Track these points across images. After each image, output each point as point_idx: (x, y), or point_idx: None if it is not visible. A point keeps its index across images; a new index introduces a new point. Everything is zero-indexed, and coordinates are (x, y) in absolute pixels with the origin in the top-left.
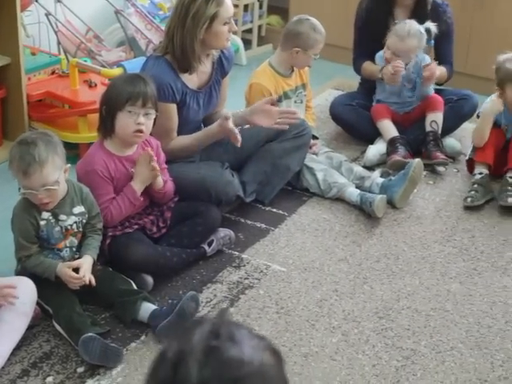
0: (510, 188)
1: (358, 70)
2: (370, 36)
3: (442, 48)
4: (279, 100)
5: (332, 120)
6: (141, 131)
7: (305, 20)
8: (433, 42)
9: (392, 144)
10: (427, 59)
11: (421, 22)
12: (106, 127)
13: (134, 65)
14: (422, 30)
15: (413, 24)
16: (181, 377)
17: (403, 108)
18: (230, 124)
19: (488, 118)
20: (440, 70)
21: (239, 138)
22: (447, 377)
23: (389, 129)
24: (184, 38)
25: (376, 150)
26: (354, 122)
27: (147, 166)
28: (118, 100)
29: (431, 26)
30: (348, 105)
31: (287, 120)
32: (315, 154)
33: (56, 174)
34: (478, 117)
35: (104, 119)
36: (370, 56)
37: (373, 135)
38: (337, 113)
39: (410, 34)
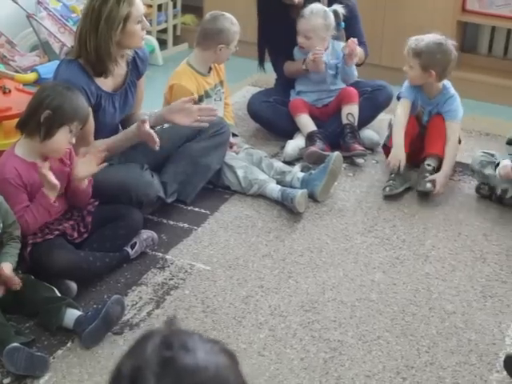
0: (427, 175)
1: (280, 72)
2: (278, 36)
3: (351, 30)
4: (200, 99)
5: (250, 118)
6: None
7: (220, 16)
8: (343, 24)
9: (310, 138)
10: (342, 45)
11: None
12: (36, 130)
13: (49, 69)
14: (326, 9)
15: (317, 4)
16: None
17: (323, 100)
18: (147, 127)
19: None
20: (360, 54)
21: (157, 140)
22: (375, 366)
23: (307, 123)
24: (98, 42)
25: (295, 144)
26: (272, 119)
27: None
28: (71, 116)
29: (338, 7)
30: (265, 102)
31: (206, 117)
32: (236, 153)
33: None
34: (398, 99)
35: (39, 123)
36: (287, 55)
37: (292, 130)
38: (254, 110)
39: (313, 12)
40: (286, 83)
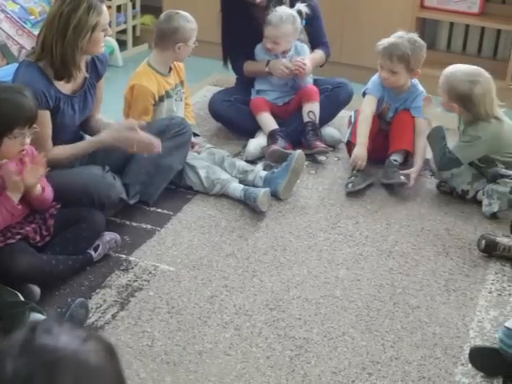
0: (395, 169)
1: (240, 72)
2: (240, 34)
3: (313, 31)
4: (161, 99)
5: (212, 117)
6: (24, 149)
7: (175, 15)
8: (304, 22)
9: (272, 137)
10: (305, 48)
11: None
12: None
13: (7, 72)
14: (294, 14)
15: (284, 10)
16: None
17: (284, 98)
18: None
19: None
20: (314, 59)
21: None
22: (341, 362)
23: (268, 122)
24: (65, 49)
25: (257, 143)
26: (233, 118)
27: (11, 180)
28: (4, 126)
29: (301, 6)
30: (226, 101)
31: (143, 149)
32: (198, 153)
33: None
34: (363, 95)
35: None
36: (248, 55)
37: (253, 129)
38: (216, 110)
39: (283, 19)
40: (246, 82)
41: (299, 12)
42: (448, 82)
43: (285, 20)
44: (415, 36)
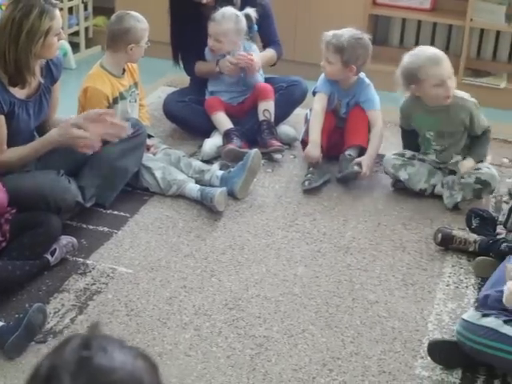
0: (351, 162)
1: (191, 73)
2: (189, 34)
3: (264, 30)
4: (115, 101)
5: (166, 118)
6: None
7: (125, 15)
8: (256, 27)
9: (227, 136)
10: (254, 48)
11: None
12: None
13: None
14: (239, 14)
15: (228, 8)
16: None
17: (238, 98)
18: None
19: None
20: (264, 57)
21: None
22: (301, 359)
23: (223, 121)
24: (18, 55)
25: (212, 143)
26: (188, 118)
27: None
28: None
29: (250, 11)
30: (181, 101)
31: (117, 133)
32: (154, 154)
33: None
34: (313, 94)
35: None
36: (199, 55)
37: (208, 129)
38: (170, 110)
39: (224, 16)
40: (200, 82)
41: (247, 16)
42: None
43: (227, 17)
44: (363, 34)
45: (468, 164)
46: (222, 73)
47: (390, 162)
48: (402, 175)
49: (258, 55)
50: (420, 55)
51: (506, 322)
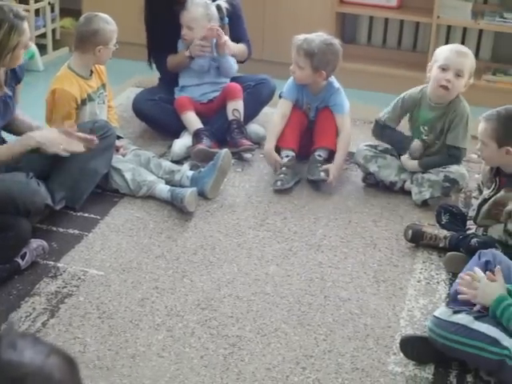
0: (318, 164)
1: (163, 69)
2: (164, 32)
3: (235, 30)
4: (83, 103)
5: (136, 117)
6: None
7: (94, 17)
8: (227, 19)
9: (197, 136)
10: (226, 39)
11: None
12: None
13: None
14: (208, 1)
15: None
16: None
17: (208, 95)
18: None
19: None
20: (236, 46)
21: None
22: (274, 358)
23: (193, 121)
24: None
25: (182, 143)
26: (158, 117)
27: None
28: None
29: (221, 2)
30: (150, 100)
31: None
32: (123, 155)
33: None
34: (280, 97)
35: None
36: (171, 52)
37: (178, 128)
38: (140, 109)
39: (194, 2)
40: (169, 81)
41: (218, 6)
42: None
43: (196, 3)
44: (334, 40)
45: (411, 165)
46: (193, 58)
47: (361, 153)
48: (372, 167)
49: (232, 44)
50: (452, 45)
51: (476, 318)
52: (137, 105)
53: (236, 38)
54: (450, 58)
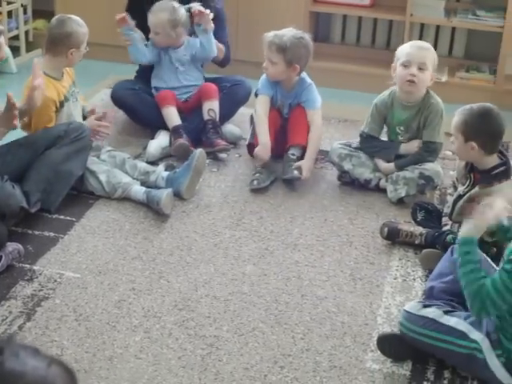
0: (292, 163)
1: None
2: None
3: (215, 32)
4: (62, 105)
5: (114, 105)
6: None
7: (67, 19)
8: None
9: (176, 131)
10: (197, 41)
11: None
12: None
13: None
14: (176, 6)
15: (167, 1)
16: None
17: (181, 96)
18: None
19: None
20: (216, 43)
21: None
22: (252, 357)
23: (172, 117)
24: None
25: (157, 144)
26: (136, 107)
27: None
28: None
29: (195, 5)
30: (130, 89)
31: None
32: (98, 157)
33: None
34: (256, 95)
35: None
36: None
37: (154, 120)
38: (119, 97)
39: (160, 7)
40: (147, 79)
41: (188, 10)
42: None
43: (162, 8)
44: (304, 34)
45: (387, 167)
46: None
47: (336, 151)
48: (346, 165)
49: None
50: (412, 42)
51: (446, 312)
52: (116, 93)
53: (216, 40)
54: (410, 53)
